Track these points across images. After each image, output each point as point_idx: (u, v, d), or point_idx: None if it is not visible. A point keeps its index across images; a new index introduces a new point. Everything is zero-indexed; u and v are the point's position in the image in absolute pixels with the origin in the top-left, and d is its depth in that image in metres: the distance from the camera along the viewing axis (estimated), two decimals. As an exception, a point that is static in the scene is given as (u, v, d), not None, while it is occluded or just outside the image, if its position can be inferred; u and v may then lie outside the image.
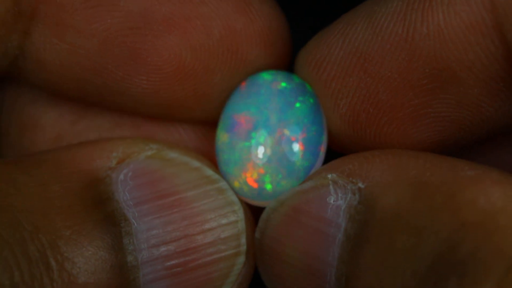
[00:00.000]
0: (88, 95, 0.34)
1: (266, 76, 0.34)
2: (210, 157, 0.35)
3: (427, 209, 0.29)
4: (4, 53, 0.33)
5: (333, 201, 0.31)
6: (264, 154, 0.33)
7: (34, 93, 0.36)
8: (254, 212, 0.34)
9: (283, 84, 0.34)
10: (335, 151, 0.35)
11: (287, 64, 0.36)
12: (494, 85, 0.31)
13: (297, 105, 0.34)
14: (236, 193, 0.33)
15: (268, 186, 0.33)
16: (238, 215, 0.32)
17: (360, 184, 0.31)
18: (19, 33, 0.33)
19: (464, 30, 0.30)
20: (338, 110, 0.33)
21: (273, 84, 0.34)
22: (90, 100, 0.35)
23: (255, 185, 0.33)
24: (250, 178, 0.33)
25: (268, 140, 0.33)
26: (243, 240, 0.32)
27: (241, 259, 0.33)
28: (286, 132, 0.33)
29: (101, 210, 0.31)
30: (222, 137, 0.34)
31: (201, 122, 0.36)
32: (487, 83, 0.31)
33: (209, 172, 0.33)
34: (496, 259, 0.26)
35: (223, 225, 0.32)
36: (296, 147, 0.33)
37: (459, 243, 0.27)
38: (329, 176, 0.32)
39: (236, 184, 0.33)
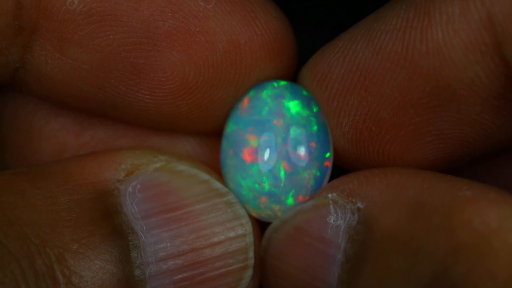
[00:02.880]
0: (91, 108, 0.34)
1: (270, 91, 0.34)
2: (216, 168, 0.35)
3: (424, 230, 0.29)
4: (5, 65, 0.33)
5: (333, 221, 0.31)
6: (271, 170, 0.33)
7: (36, 102, 0.36)
8: (261, 226, 0.34)
9: (288, 99, 0.34)
10: (340, 167, 0.35)
11: (292, 74, 0.36)
12: (495, 102, 0.31)
13: (303, 121, 0.33)
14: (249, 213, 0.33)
15: (279, 204, 0.33)
16: (246, 229, 0.32)
17: (359, 204, 0.31)
18: (19, 47, 0.33)
19: (463, 49, 0.30)
20: (341, 128, 0.33)
21: (278, 99, 0.34)
22: (93, 113, 0.35)
23: (266, 203, 0.33)
24: (262, 198, 0.33)
25: (275, 157, 0.33)
26: (251, 254, 0.32)
27: (249, 272, 0.32)
28: (293, 148, 0.33)
29: (109, 223, 0.31)
30: (229, 154, 0.34)
31: (205, 134, 0.36)
32: (488, 100, 0.31)
33: (218, 185, 0.33)
34: (488, 282, 0.26)
35: (231, 239, 0.32)
36: (304, 162, 0.33)
37: (453, 265, 0.27)
38: (330, 195, 0.32)
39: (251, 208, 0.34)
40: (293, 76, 0.36)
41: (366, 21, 0.33)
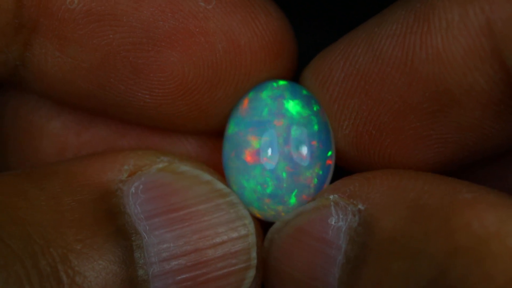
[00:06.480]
0: (92, 106, 0.34)
1: (270, 91, 0.34)
2: (216, 167, 0.35)
3: (423, 233, 0.29)
4: (5, 63, 0.33)
5: (334, 222, 0.31)
6: (273, 171, 0.33)
7: (37, 101, 0.36)
8: (264, 227, 0.34)
9: (288, 99, 0.34)
10: (342, 168, 0.35)
11: (292, 75, 0.36)
12: (495, 108, 0.31)
13: (304, 120, 0.33)
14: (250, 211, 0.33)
15: (283, 204, 0.33)
16: (248, 229, 0.32)
17: (360, 206, 0.31)
18: (19, 45, 0.33)
19: (463, 55, 0.30)
20: (341, 130, 0.34)
21: (278, 100, 0.34)
22: (93, 111, 0.35)
23: (270, 204, 0.33)
24: (265, 199, 0.33)
25: (276, 157, 0.33)
26: (254, 254, 0.32)
27: (252, 272, 0.33)
28: (294, 148, 0.33)
29: (112, 223, 0.31)
30: (231, 156, 0.34)
31: (205, 134, 0.36)
32: (488, 106, 0.31)
33: (220, 185, 0.33)
34: (486, 285, 0.26)
35: (234, 239, 0.32)
36: (306, 162, 0.33)
37: (451, 268, 0.27)
38: (331, 197, 0.32)
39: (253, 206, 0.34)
40: (293, 76, 0.36)
41: (367, 25, 0.33)
